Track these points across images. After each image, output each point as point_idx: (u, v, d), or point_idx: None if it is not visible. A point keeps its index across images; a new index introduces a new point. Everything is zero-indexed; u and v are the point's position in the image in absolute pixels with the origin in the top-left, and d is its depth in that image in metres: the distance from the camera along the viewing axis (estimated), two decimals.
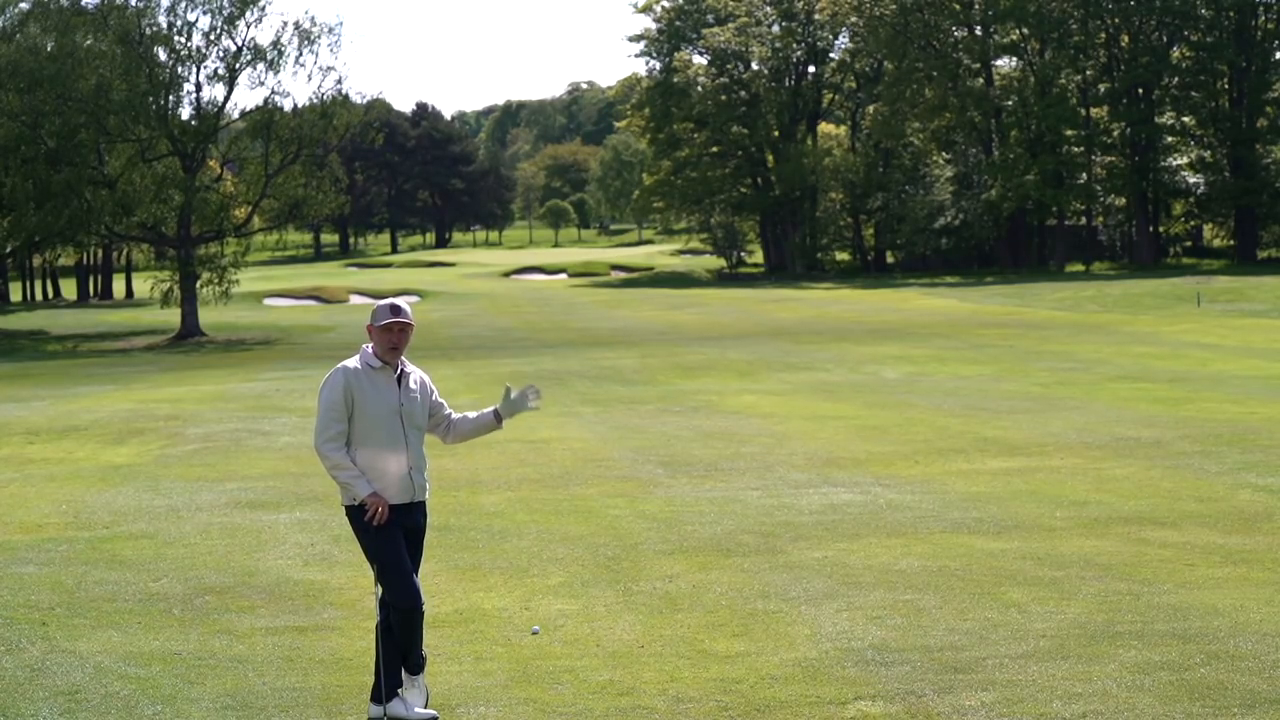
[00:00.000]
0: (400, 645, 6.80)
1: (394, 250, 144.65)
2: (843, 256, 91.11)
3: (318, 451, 6.80)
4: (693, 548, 10.56)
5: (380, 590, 6.82)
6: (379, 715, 6.75)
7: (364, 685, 7.22)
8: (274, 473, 15.07)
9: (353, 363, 6.86)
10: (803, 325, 43.30)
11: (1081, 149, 79.08)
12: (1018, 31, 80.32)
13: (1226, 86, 78.04)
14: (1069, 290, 54.99)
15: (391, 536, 6.76)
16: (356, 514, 6.79)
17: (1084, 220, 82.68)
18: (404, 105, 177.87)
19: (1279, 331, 34.29)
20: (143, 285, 68.07)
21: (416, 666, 6.88)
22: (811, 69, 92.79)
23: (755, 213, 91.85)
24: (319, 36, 53.10)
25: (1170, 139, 79.36)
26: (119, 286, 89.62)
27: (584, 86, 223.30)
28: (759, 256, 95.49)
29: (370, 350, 6.88)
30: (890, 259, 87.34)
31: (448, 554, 10.48)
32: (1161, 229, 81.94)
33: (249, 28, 52.89)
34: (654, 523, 11.59)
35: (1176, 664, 7.26)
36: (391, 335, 6.80)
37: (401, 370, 6.90)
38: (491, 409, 7.22)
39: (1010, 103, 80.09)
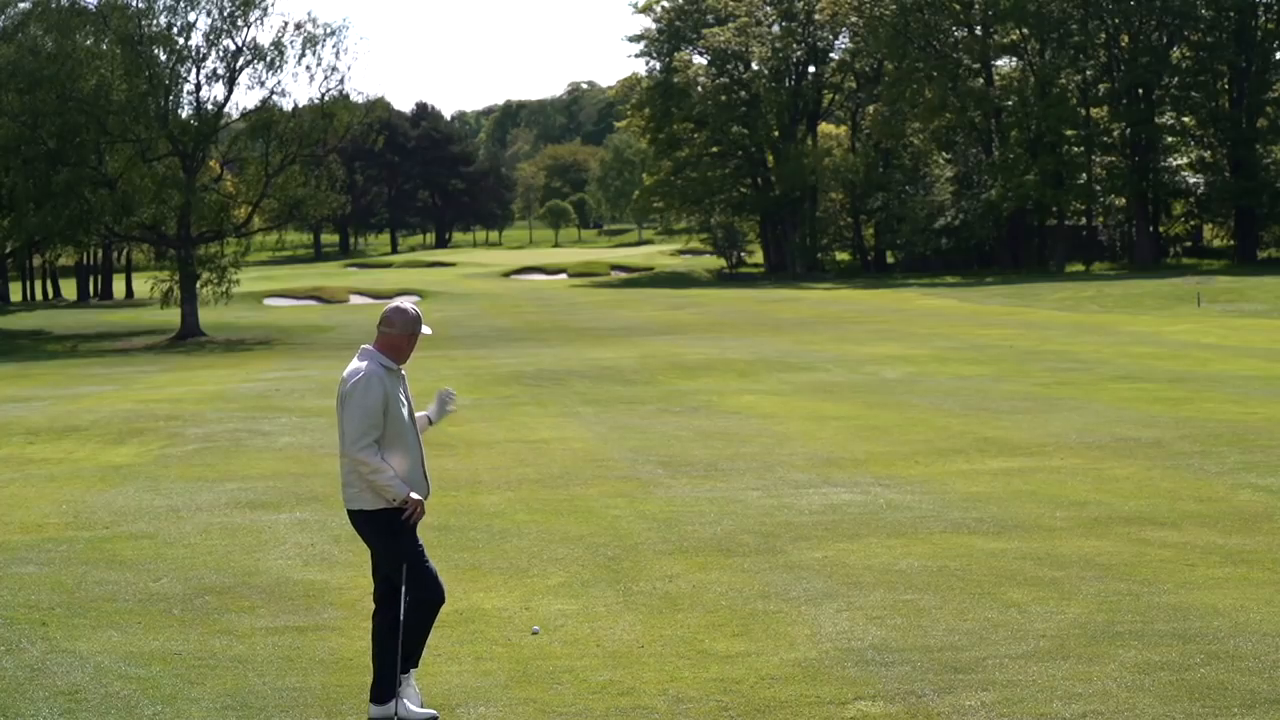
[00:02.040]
0: (414, 641, 6.83)
1: (394, 250, 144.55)
2: (843, 256, 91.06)
3: (354, 457, 6.66)
4: (693, 548, 10.56)
5: (405, 588, 6.78)
6: (387, 715, 6.75)
7: (364, 685, 7.22)
8: (274, 473, 15.07)
9: (376, 367, 6.81)
10: (803, 325, 43.28)
11: (1081, 149, 79.03)
12: (1018, 31, 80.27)
13: (1226, 86, 78.00)
14: (1069, 290, 54.97)
15: (414, 534, 6.86)
16: (387, 516, 6.76)
17: (1084, 220, 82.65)
18: (404, 105, 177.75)
19: (1279, 331, 34.29)
20: (143, 285, 68.04)
21: (415, 663, 6.92)
22: (811, 69, 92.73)
23: (755, 213, 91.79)
24: (323, 38, 53.07)
25: (1170, 139, 79.29)
26: (119, 286, 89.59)
27: (584, 86, 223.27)
28: (759, 256, 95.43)
29: (380, 353, 6.86)
30: (890, 259, 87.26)
31: (448, 554, 10.47)
32: (1161, 229, 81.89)
33: (249, 28, 52.89)
34: (654, 523, 11.59)
35: (1176, 664, 7.27)
36: (414, 342, 6.91)
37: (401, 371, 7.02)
38: (424, 413, 7.28)
39: (1010, 103, 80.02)
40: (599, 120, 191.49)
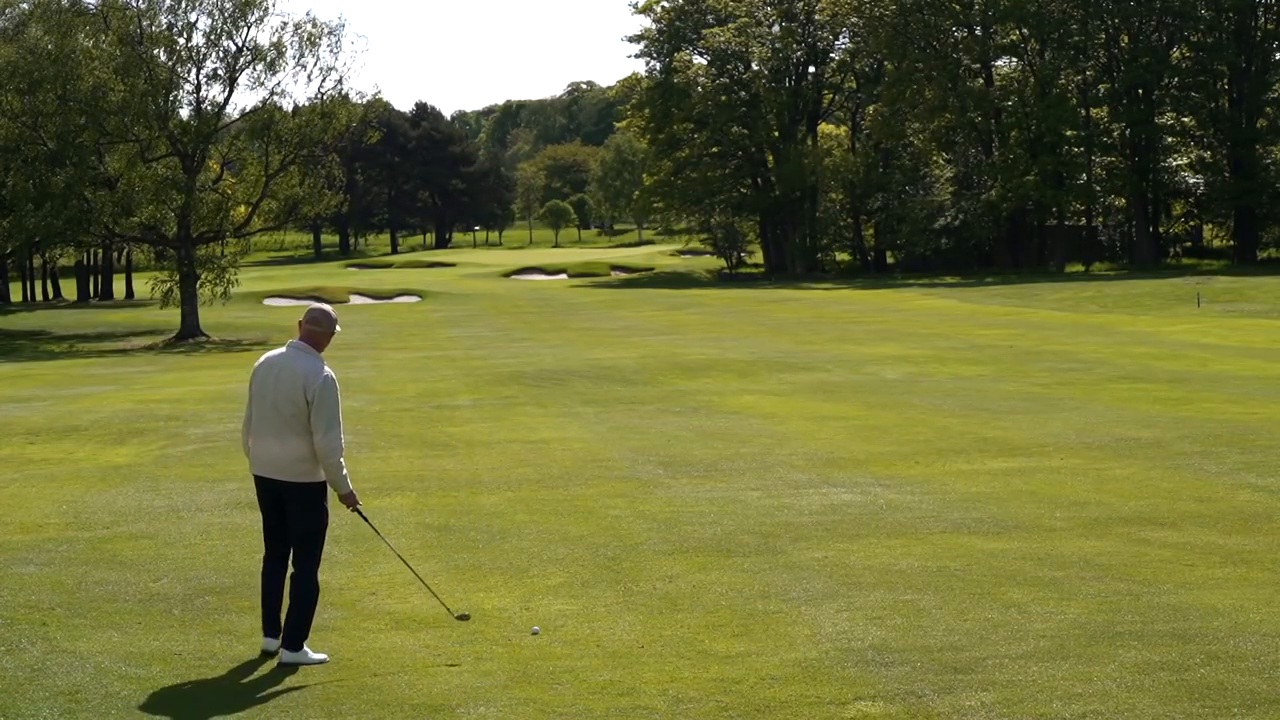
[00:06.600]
0: (306, 611, 7.77)
1: (394, 250, 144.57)
2: (843, 257, 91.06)
3: (339, 449, 7.75)
4: (693, 548, 10.56)
5: (312, 553, 7.86)
6: (305, 660, 7.64)
7: (364, 685, 7.23)
8: None
9: (327, 366, 7.85)
10: (803, 325, 43.28)
11: (1081, 149, 79.03)
12: (1018, 31, 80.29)
13: (1226, 87, 78.01)
14: (1069, 290, 54.96)
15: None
16: (323, 489, 7.88)
17: (1084, 220, 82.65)
18: (404, 105, 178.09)
19: (1279, 331, 34.29)
20: (143, 285, 68.02)
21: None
22: (811, 69, 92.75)
23: (755, 213, 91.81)
24: (321, 38, 52.99)
25: (1170, 139, 79.32)
26: (119, 286, 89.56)
27: (584, 86, 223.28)
28: (759, 257, 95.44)
29: (318, 349, 7.83)
30: (890, 259, 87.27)
31: (448, 554, 10.48)
32: (1161, 229, 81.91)
33: (249, 28, 52.81)
34: (654, 523, 11.59)
35: (1176, 664, 7.27)
36: (332, 339, 7.93)
37: None
38: None
39: (1010, 103, 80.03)
40: (599, 120, 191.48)
